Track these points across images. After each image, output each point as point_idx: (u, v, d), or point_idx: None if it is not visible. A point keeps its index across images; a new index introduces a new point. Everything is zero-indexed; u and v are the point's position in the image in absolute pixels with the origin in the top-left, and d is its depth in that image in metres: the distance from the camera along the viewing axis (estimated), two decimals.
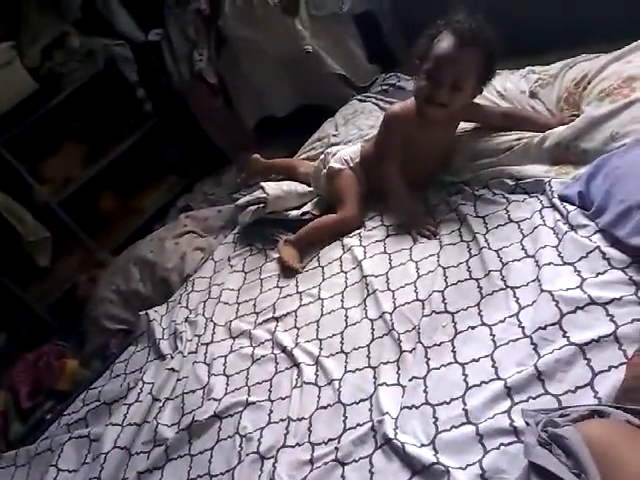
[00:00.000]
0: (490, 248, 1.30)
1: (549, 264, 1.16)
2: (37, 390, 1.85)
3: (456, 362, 1.12)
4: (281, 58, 2.49)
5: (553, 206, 1.30)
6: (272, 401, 1.30)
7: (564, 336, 1.03)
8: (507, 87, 1.74)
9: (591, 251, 1.13)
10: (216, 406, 1.35)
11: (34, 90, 2.53)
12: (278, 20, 2.38)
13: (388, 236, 1.57)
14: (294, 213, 1.82)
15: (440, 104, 1.46)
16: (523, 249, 1.25)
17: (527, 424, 0.92)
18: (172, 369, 1.55)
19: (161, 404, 1.45)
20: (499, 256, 1.27)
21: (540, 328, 1.06)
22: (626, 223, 1.09)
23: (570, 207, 1.26)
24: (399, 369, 1.19)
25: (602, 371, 0.95)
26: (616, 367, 0.94)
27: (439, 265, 1.35)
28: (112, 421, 1.47)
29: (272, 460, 1.16)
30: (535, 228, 1.27)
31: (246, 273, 1.78)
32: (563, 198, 1.29)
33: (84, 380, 1.83)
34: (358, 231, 1.64)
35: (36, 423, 1.76)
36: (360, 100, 2.28)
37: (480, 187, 1.50)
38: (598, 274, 1.09)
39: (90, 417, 1.59)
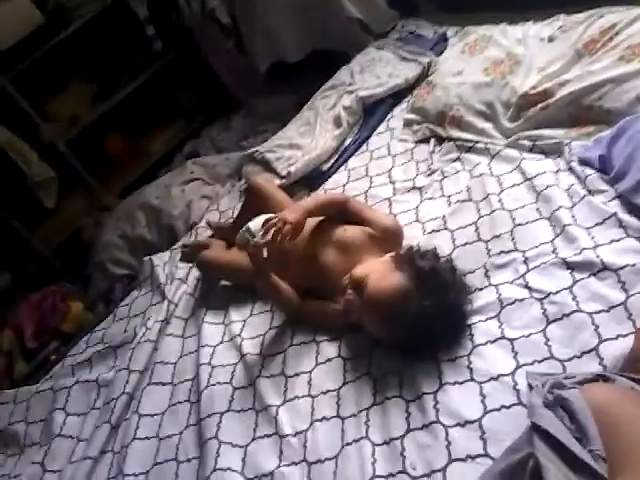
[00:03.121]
0: (504, 208, 1.27)
1: (562, 227, 1.14)
2: (42, 330, 1.87)
3: None
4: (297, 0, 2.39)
5: (570, 169, 1.26)
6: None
7: (574, 300, 1.01)
8: (528, 34, 1.66)
9: (607, 218, 1.10)
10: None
11: (40, 24, 2.44)
12: None
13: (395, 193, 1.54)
14: None
15: None
16: (538, 210, 1.22)
17: (530, 387, 0.92)
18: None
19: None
20: (512, 217, 1.24)
21: (551, 293, 1.05)
22: None
23: (589, 171, 1.22)
24: None
25: (609, 339, 0.94)
26: (624, 336, 0.93)
27: (445, 227, 1.33)
28: (120, 366, 1.48)
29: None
30: (548, 188, 1.24)
31: None
32: (583, 161, 1.25)
33: (88, 323, 1.84)
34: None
35: (40, 363, 1.78)
36: (377, 47, 2.19)
37: (496, 147, 1.45)
38: (612, 241, 1.07)
39: (95, 359, 1.61)
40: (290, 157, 1.81)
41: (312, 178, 1.76)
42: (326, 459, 1.04)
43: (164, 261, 1.82)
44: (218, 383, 1.29)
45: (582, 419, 0.71)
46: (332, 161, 1.77)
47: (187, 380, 1.37)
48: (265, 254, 1.21)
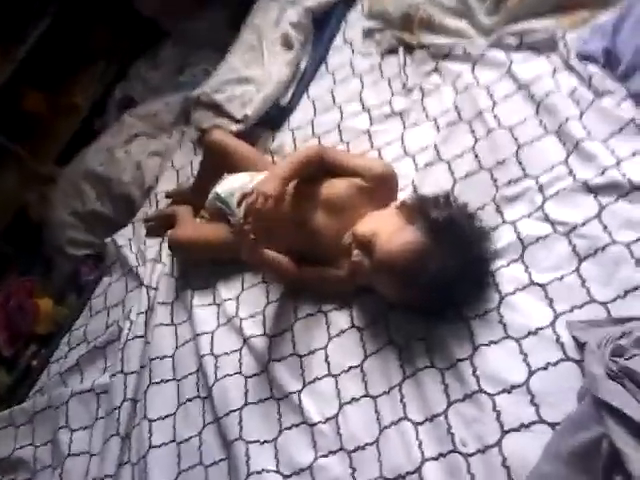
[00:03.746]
0: (502, 126, 1.13)
1: (575, 143, 1.01)
2: (15, 335, 1.71)
3: None
4: None
5: (570, 68, 1.11)
6: None
7: (605, 231, 0.91)
8: None
9: (625, 125, 0.98)
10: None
11: None
12: None
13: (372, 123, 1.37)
14: None
15: None
16: (542, 124, 1.08)
17: (575, 340, 0.85)
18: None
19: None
20: (513, 136, 1.10)
21: (577, 225, 0.94)
22: None
23: (592, 68, 1.07)
24: None
25: None
26: None
27: (440, 158, 1.18)
28: (114, 369, 1.36)
29: None
30: (549, 96, 1.09)
31: None
32: (583, 56, 1.09)
33: (63, 319, 1.69)
34: None
35: (23, 373, 1.65)
36: None
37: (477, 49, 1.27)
38: (635, 153, 0.95)
39: (83, 363, 1.48)
40: (242, 95, 1.59)
41: (273, 116, 1.56)
42: (366, 445, 0.97)
43: (128, 238, 1.65)
44: (228, 375, 1.18)
45: None
46: (291, 92, 1.57)
47: (191, 374, 1.26)
48: (252, 236, 1.06)
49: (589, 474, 0.64)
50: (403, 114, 1.32)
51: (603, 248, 0.90)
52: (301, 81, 1.57)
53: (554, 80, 1.11)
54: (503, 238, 1.01)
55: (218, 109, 1.61)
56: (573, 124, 1.03)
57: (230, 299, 1.31)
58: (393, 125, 1.32)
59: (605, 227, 0.91)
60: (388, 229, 1.01)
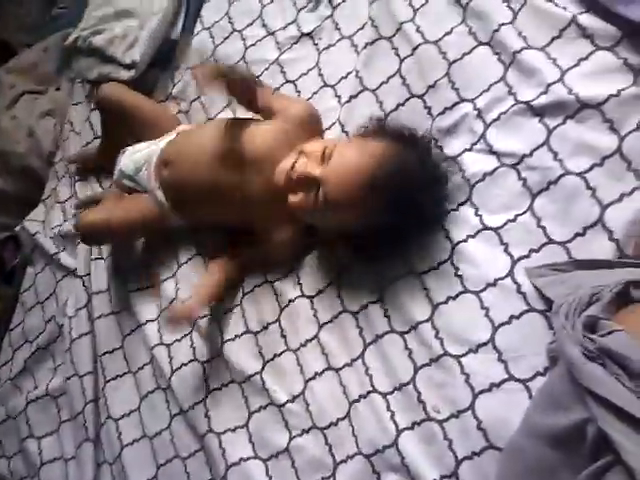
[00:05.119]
0: (427, 40, 0.97)
1: (512, 55, 0.88)
2: None
3: None
4: None
5: None
6: None
7: (556, 159, 0.82)
8: None
9: (565, 27, 0.84)
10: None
11: None
12: None
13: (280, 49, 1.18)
14: None
15: None
16: (471, 33, 0.93)
17: (537, 289, 0.79)
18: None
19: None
20: (441, 51, 0.96)
21: (525, 155, 0.84)
22: None
23: None
24: None
25: (613, 202, 0.77)
26: (629, 194, 0.76)
27: (364, 87, 1.03)
28: (66, 371, 1.27)
29: None
30: None
31: None
32: None
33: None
34: None
35: None
36: None
37: None
38: (580, 60, 0.83)
39: (32, 366, 1.38)
40: (125, 34, 1.35)
41: (165, 53, 1.34)
42: (339, 420, 0.93)
43: (41, 220, 1.48)
44: (183, 365, 1.11)
45: None
46: (180, 21, 1.33)
47: (146, 364, 1.18)
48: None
49: (573, 458, 0.61)
50: (314, 35, 1.13)
51: (556, 181, 0.81)
52: (189, 5, 1.33)
53: None
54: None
55: (101, 54, 1.37)
56: (507, 31, 0.89)
57: (168, 278, 1.20)
58: (305, 50, 1.14)
59: (555, 155, 0.82)
60: (340, 144, 0.92)
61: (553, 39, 0.85)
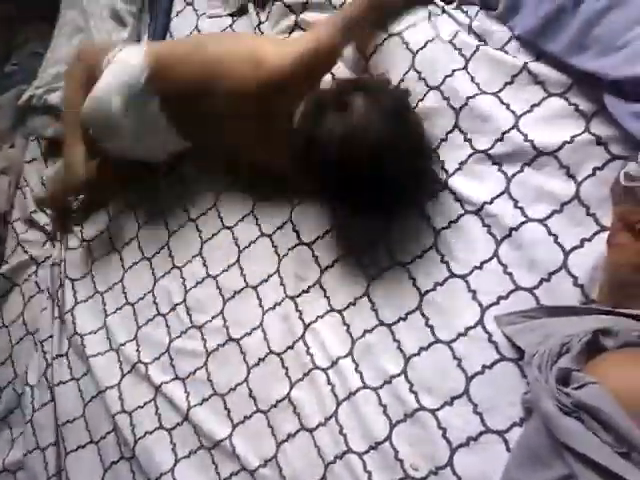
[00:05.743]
0: None
1: (465, 101, 0.88)
2: None
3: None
4: None
5: (444, 10, 0.96)
6: None
7: (517, 207, 0.82)
8: None
9: (517, 73, 0.86)
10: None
11: None
12: None
13: None
14: None
15: None
16: (422, 80, 0.94)
17: (506, 336, 0.78)
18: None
19: None
20: None
21: (485, 203, 0.84)
22: (558, 31, 0.81)
23: (473, 9, 0.93)
24: None
25: (574, 248, 0.77)
26: (589, 239, 0.77)
27: None
28: (26, 444, 1.20)
29: None
30: (426, 46, 0.95)
31: None
32: None
33: None
34: None
35: None
36: None
37: None
38: (533, 106, 0.84)
39: None
40: None
41: None
42: None
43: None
44: (148, 433, 1.06)
45: (618, 425, 0.56)
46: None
47: (108, 433, 1.12)
48: None
49: None
50: None
51: (517, 227, 0.81)
52: None
53: (430, 25, 0.96)
54: (411, 226, 0.91)
55: (56, 111, 1.35)
56: (460, 76, 0.90)
57: (129, 341, 1.15)
58: None
59: (516, 202, 0.82)
60: None
61: (506, 84, 0.86)
